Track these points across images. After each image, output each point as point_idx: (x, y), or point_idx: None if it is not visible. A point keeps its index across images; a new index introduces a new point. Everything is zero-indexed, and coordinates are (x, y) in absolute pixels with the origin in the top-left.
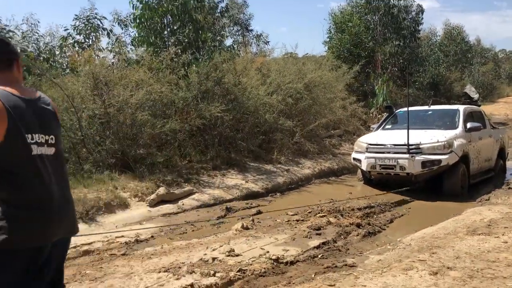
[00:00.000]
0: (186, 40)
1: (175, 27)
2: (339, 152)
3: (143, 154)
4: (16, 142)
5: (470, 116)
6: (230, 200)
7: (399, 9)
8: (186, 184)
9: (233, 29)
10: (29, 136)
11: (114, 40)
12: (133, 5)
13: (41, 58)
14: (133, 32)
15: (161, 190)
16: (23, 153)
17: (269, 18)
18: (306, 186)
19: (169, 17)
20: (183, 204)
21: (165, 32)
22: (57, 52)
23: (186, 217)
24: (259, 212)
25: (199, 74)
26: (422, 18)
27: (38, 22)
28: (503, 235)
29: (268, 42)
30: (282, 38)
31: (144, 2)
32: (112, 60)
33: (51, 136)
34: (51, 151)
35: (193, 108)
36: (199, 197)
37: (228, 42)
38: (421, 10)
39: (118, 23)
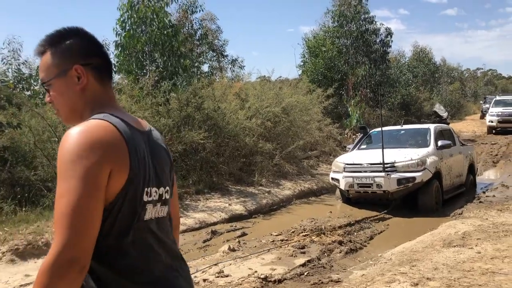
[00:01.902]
0: (166, 68)
1: (156, 55)
2: (317, 173)
3: None
4: (133, 202)
5: (440, 134)
6: (214, 223)
7: (369, 33)
8: None
9: (208, 54)
10: (146, 191)
11: None
12: (116, 32)
13: (21, 87)
14: (111, 59)
15: None
16: (134, 219)
17: (240, 42)
18: (288, 207)
19: (151, 45)
20: None
21: (147, 61)
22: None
23: None
24: (244, 234)
25: (179, 101)
26: (392, 41)
27: (21, 46)
28: (476, 246)
29: (243, 66)
30: (254, 62)
31: (127, 30)
32: None
33: (166, 189)
34: (163, 211)
35: (175, 134)
36: (184, 221)
37: (205, 68)
38: (389, 33)
39: None
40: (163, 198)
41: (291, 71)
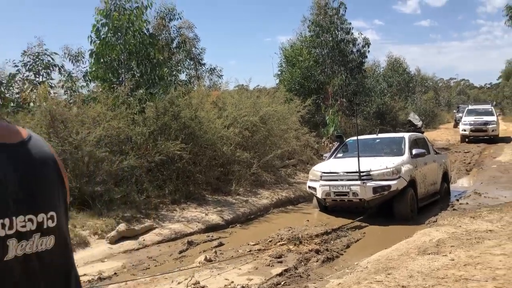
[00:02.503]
0: (142, 76)
1: (131, 64)
2: (295, 181)
3: (100, 190)
4: None
5: (415, 143)
6: (191, 234)
7: (346, 43)
8: (146, 219)
9: (186, 63)
10: (2, 223)
11: (67, 75)
12: (91, 40)
13: None
14: (85, 67)
15: (122, 226)
16: None
17: (218, 51)
18: (265, 216)
19: (126, 53)
20: (144, 240)
21: (122, 69)
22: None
23: (148, 253)
24: (221, 244)
25: (156, 109)
26: (368, 51)
27: None
28: (450, 253)
29: (221, 75)
30: (232, 71)
31: (102, 38)
32: (64, 96)
33: (50, 214)
34: (46, 243)
35: (151, 144)
36: (160, 232)
37: (182, 76)
38: (367, 43)
39: (70, 59)
40: (44, 226)
41: (269, 80)
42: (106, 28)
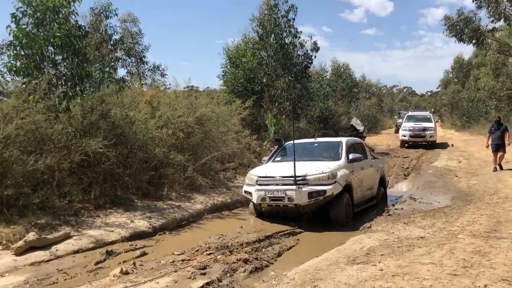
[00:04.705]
0: (68, 72)
1: (56, 58)
2: (233, 185)
3: (12, 194)
4: None
5: (352, 148)
6: (113, 242)
7: (293, 46)
8: (64, 226)
9: (126, 60)
10: None
11: None
12: (10, 31)
13: None
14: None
15: (31, 235)
16: None
17: (169, 51)
18: (198, 222)
19: (51, 47)
20: (57, 250)
21: (45, 63)
22: None
23: (60, 265)
24: (143, 254)
25: (83, 107)
26: (315, 56)
27: None
28: (379, 262)
29: (165, 74)
30: (183, 71)
31: (21, 27)
32: None
33: None
34: None
35: (74, 143)
36: (77, 241)
37: (122, 73)
38: (315, 48)
39: None
40: None
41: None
42: (27, 17)
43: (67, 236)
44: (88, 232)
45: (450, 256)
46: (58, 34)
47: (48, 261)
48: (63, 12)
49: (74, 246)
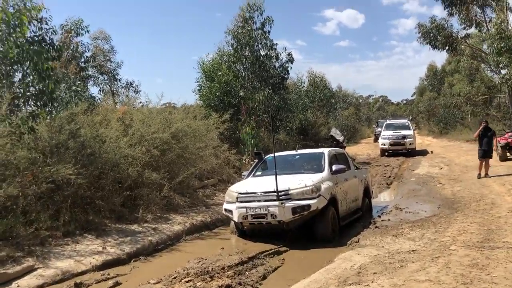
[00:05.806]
0: (27, 91)
1: (14, 76)
2: (213, 203)
3: None
4: None
5: (334, 158)
6: (83, 273)
7: (269, 58)
8: (28, 258)
9: (98, 78)
10: None
11: None
12: None
13: None
14: None
15: None
16: None
17: (144, 69)
18: (176, 245)
19: (8, 63)
20: (18, 286)
21: (3, 81)
22: None
23: None
24: (116, 284)
25: (50, 127)
26: (291, 68)
27: None
28: (372, 282)
29: (139, 91)
30: (159, 89)
31: None
32: None
33: None
34: None
35: (39, 169)
36: (43, 274)
37: (95, 91)
38: (290, 59)
39: None
40: None
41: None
42: None
43: (31, 269)
44: (55, 263)
45: (446, 271)
46: (16, 49)
47: None
48: (20, 26)
49: (39, 280)
